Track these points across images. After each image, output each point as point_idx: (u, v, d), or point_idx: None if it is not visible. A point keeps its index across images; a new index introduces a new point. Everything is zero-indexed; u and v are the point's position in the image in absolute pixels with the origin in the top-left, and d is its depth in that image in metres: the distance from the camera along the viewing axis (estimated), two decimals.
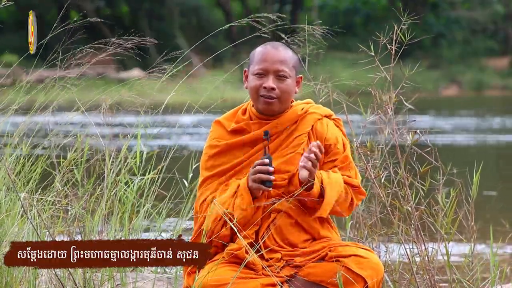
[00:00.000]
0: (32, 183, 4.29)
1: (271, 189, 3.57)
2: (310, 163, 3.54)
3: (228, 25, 4.57)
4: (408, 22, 4.32)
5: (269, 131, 3.66)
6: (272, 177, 3.56)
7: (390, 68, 4.38)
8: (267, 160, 3.56)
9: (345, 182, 3.69)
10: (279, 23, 4.46)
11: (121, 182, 4.25)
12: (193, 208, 3.80)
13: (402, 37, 4.34)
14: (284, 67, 3.67)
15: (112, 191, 4.11)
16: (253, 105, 3.75)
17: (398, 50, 4.36)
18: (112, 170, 4.17)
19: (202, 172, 3.75)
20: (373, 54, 4.40)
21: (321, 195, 3.60)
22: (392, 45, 4.35)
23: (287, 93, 3.68)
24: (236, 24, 4.60)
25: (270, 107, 3.68)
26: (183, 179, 4.79)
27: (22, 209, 3.95)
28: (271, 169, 3.55)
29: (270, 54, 3.68)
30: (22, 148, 4.38)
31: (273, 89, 3.65)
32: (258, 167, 3.56)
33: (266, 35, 4.36)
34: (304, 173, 3.55)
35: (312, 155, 3.53)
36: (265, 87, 3.66)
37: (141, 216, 4.33)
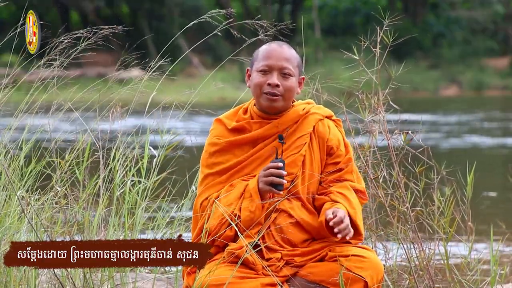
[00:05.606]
0: (31, 181, 4.28)
1: (282, 192, 3.58)
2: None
3: (224, 25, 4.54)
4: (400, 22, 4.34)
5: (283, 135, 3.65)
6: (284, 181, 3.57)
7: (378, 69, 4.39)
8: (281, 164, 3.56)
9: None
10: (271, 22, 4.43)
11: (124, 182, 4.24)
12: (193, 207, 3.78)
13: (386, 39, 4.35)
14: (289, 64, 3.67)
15: (116, 191, 4.11)
16: (254, 104, 3.75)
17: (395, 50, 4.37)
18: (118, 170, 4.17)
19: (202, 169, 3.75)
20: (357, 57, 4.41)
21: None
22: (387, 46, 4.37)
23: (291, 91, 3.68)
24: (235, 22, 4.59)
25: (273, 104, 3.67)
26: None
27: (20, 209, 3.94)
28: (284, 173, 3.56)
29: (275, 52, 3.68)
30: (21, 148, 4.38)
31: (277, 86, 3.65)
32: (271, 170, 3.56)
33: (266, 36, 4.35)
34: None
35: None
36: (269, 84, 3.65)
37: (140, 215, 4.32)
